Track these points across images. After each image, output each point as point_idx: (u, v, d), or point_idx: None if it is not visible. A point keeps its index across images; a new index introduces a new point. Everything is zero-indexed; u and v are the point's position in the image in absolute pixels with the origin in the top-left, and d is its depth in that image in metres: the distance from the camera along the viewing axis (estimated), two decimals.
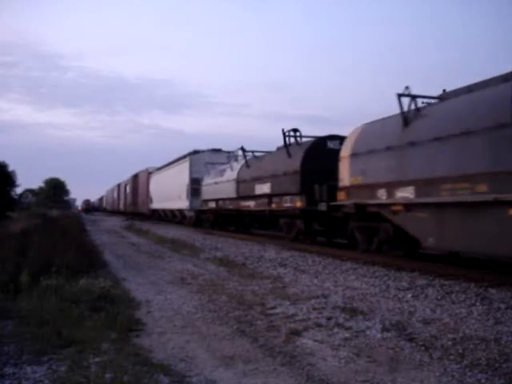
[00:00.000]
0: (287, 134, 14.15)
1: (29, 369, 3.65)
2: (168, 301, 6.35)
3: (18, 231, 13.07)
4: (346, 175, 10.41)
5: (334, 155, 11.05)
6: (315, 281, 7.70)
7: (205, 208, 22.75)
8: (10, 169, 38.74)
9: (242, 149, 18.42)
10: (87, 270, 7.66)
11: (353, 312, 5.42)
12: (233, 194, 18.26)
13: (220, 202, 20.26)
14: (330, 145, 13.00)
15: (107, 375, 3.38)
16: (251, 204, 16.47)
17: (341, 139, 12.43)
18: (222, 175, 20.32)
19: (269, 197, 14.82)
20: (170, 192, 29.22)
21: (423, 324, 4.92)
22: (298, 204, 12.89)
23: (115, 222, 34.89)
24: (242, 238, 16.64)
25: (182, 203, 26.70)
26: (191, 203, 25.01)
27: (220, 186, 20.06)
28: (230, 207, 18.75)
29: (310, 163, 12.76)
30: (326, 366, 3.78)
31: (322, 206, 11.59)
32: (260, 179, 15.57)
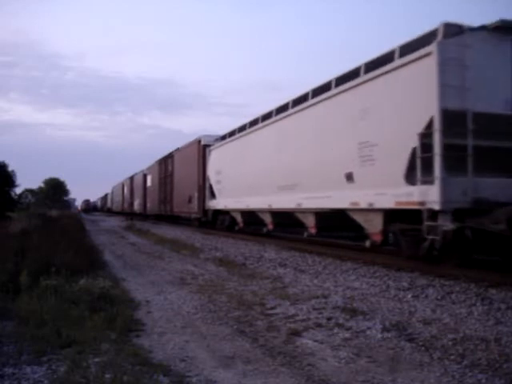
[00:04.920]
0: None
1: (28, 369, 3.64)
2: (168, 301, 6.34)
3: (18, 231, 13.06)
4: None
5: None
6: (315, 281, 7.69)
7: None
8: (10, 169, 38.93)
9: None
10: (87, 270, 7.65)
11: (353, 312, 5.41)
12: None
13: None
14: None
15: (107, 375, 3.37)
16: None
17: None
18: None
19: None
20: (290, 171, 12.36)
21: (423, 324, 4.91)
22: None
23: (115, 223, 34.86)
24: (242, 238, 16.62)
25: (368, 194, 8.87)
26: (446, 187, 7.18)
27: None
28: None
29: None
30: (326, 367, 3.77)
31: None
32: None
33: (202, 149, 21.16)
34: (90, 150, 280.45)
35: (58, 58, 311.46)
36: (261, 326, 4.98)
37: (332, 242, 13.37)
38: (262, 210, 14.69)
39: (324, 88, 10.95)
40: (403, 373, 3.60)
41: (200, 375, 3.58)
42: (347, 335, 4.60)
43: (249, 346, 4.33)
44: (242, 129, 16.74)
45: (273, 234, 16.48)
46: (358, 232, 10.80)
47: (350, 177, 9.63)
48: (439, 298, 6.15)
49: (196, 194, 21.68)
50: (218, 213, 19.69)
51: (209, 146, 20.49)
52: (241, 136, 16.63)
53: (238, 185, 16.50)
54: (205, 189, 20.45)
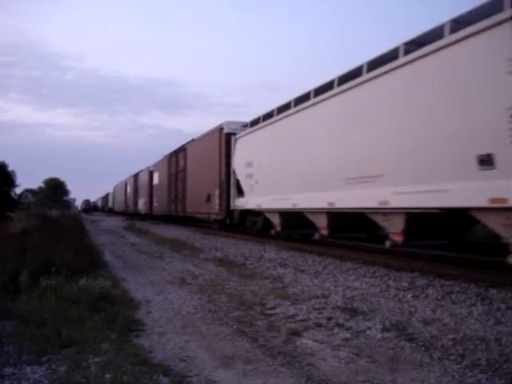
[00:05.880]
0: None
1: (28, 369, 3.64)
2: (168, 301, 6.34)
3: (18, 231, 13.06)
4: None
5: None
6: (315, 281, 7.70)
7: None
8: (10, 169, 38.91)
9: None
10: (87, 270, 7.65)
11: (353, 312, 5.42)
12: None
13: None
14: None
15: (107, 375, 3.37)
16: None
17: None
18: None
19: None
20: (369, 157, 8.74)
21: (423, 324, 4.91)
22: None
23: (115, 223, 34.85)
24: (241, 238, 16.60)
25: None
26: None
27: None
28: None
29: None
30: (326, 367, 3.77)
31: None
32: None
33: (225, 138, 17.27)
34: (90, 150, 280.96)
35: (58, 58, 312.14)
36: (261, 325, 4.98)
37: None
38: (315, 210, 11.07)
39: (428, 38, 7.38)
40: (403, 373, 3.60)
41: (200, 375, 3.58)
42: (347, 335, 4.60)
43: (249, 345, 4.33)
44: (282, 109, 12.88)
45: (330, 242, 12.94)
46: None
47: (487, 160, 6.35)
48: (439, 298, 6.15)
49: (217, 192, 17.98)
50: (247, 213, 16.02)
51: (234, 134, 16.70)
52: (283, 117, 12.77)
53: (278, 179, 13.01)
54: (229, 185, 16.74)
